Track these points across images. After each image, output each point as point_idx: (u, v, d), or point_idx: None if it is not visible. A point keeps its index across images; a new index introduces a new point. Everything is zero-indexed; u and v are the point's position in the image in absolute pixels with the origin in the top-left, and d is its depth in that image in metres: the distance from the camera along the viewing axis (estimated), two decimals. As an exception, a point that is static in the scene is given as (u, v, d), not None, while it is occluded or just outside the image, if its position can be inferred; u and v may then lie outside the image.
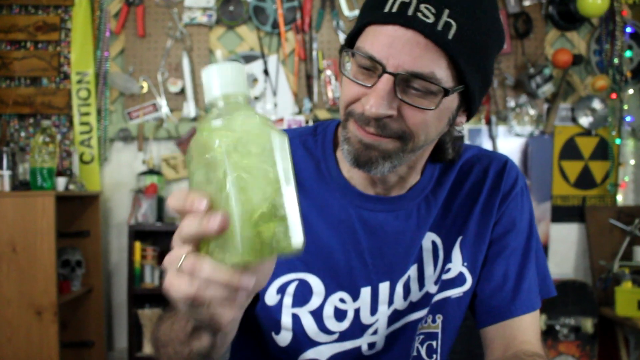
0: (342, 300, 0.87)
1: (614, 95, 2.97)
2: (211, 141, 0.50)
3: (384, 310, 0.88)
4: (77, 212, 2.75)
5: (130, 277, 2.68)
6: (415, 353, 0.90)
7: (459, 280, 0.89)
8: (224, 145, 0.49)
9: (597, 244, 2.95)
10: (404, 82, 0.73)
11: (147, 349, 2.70)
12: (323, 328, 0.87)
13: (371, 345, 0.89)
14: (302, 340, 0.88)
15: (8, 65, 2.83)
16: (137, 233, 2.70)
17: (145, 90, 2.88)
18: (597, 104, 2.95)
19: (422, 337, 0.90)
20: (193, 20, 2.87)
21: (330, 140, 0.91)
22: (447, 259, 0.90)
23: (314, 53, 2.90)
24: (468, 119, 0.84)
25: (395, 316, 0.89)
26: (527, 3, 2.92)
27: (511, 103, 2.94)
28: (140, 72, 2.88)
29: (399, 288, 0.88)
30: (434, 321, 0.90)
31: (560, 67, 2.87)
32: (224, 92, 0.53)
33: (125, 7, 2.86)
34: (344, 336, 0.88)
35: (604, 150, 3.01)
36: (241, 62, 0.55)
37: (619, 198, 3.01)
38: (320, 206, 0.87)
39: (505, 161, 0.94)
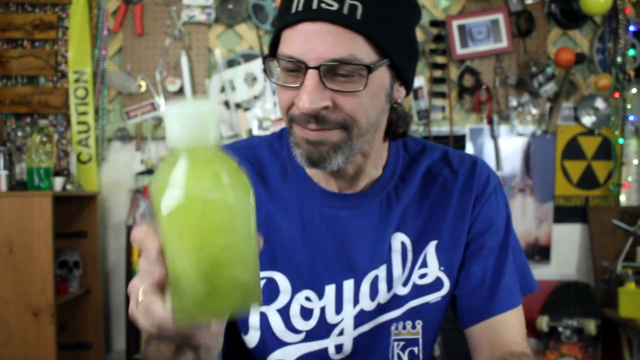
0: (307, 299, 0.89)
1: (617, 95, 2.97)
2: (164, 196, 0.47)
3: (349, 310, 0.89)
4: (75, 213, 2.75)
5: (128, 278, 2.68)
6: (395, 359, 0.91)
7: (436, 285, 0.91)
8: (173, 202, 0.47)
9: (600, 245, 2.95)
10: (329, 72, 0.75)
11: (146, 350, 2.70)
12: (290, 327, 0.89)
13: (338, 348, 0.90)
14: (269, 340, 0.89)
15: (5, 64, 2.83)
16: (135, 233, 2.69)
17: (143, 89, 2.88)
18: (600, 103, 2.95)
19: (402, 343, 0.91)
20: (192, 19, 2.87)
21: None
22: (420, 262, 0.91)
23: (314, 52, 2.89)
24: (407, 93, 0.87)
25: (362, 317, 0.90)
26: (529, 1, 2.92)
27: (513, 102, 2.94)
28: (139, 71, 2.88)
29: (365, 287, 0.89)
30: (414, 327, 0.91)
31: (563, 65, 2.87)
32: (185, 144, 0.47)
33: (123, 5, 2.85)
34: (310, 336, 0.90)
35: (606, 150, 3.01)
36: (209, 102, 0.56)
37: (622, 198, 3.01)
38: (286, 205, 0.89)
39: (474, 161, 0.95)
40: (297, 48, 0.75)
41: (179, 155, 0.48)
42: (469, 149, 2.95)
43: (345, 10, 0.74)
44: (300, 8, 0.75)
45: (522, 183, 2.98)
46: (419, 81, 2.90)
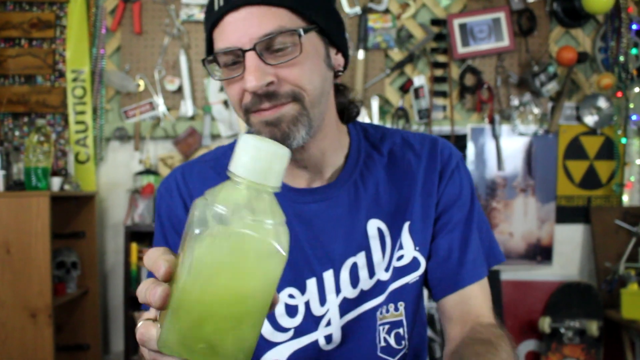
0: (291, 296, 0.91)
1: (619, 94, 2.97)
2: (209, 223, 0.47)
3: (332, 299, 0.92)
4: (73, 213, 2.75)
5: (126, 279, 2.68)
6: (383, 343, 0.94)
7: (413, 265, 0.94)
8: (212, 237, 0.46)
9: (603, 245, 2.94)
10: (265, 49, 0.80)
11: (144, 352, 2.70)
12: (277, 326, 0.91)
13: (328, 339, 0.92)
14: (259, 343, 0.90)
15: (2, 63, 2.83)
16: (134, 234, 2.70)
17: (141, 88, 2.88)
18: (602, 103, 2.95)
19: (387, 326, 0.94)
20: (190, 17, 2.87)
21: None
22: (398, 245, 0.94)
23: (314, 50, 2.89)
24: (346, 61, 0.91)
25: (347, 305, 0.92)
26: (531, 0, 2.92)
27: (515, 101, 2.93)
28: (137, 70, 2.88)
29: (344, 275, 0.92)
30: (396, 309, 0.94)
31: (565, 65, 2.86)
32: (250, 177, 0.48)
33: (122, 3, 2.85)
34: (299, 332, 0.91)
35: (609, 150, 3.01)
36: (284, 147, 0.62)
37: (625, 198, 3.01)
38: None
39: (435, 140, 0.98)
40: (229, 39, 0.80)
41: (239, 187, 0.48)
42: (470, 148, 2.95)
43: None
44: (221, 3, 0.81)
45: (524, 183, 2.98)
46: (420, 80, 2.90)
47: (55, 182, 2.56)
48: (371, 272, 0.92)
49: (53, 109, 2.86)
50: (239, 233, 0.46)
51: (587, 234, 3.03)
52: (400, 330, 0.94)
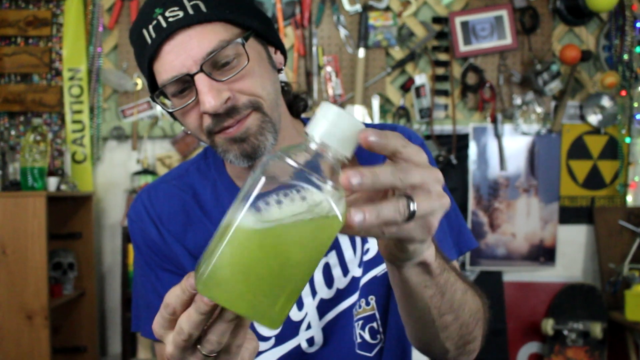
0: None
1: (623, 93, 2.97)
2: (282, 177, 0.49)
3: (309, 303, 0.92)
4: (69, 213, 2.75)
5: (124, 280, 2.68)
6: (359, 340, 0.94)
7: (379, 257, 0.94)
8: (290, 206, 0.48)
9: (606, 246, 2.94)
10: (212, 67, 0.80)
11: (142, 354, 2.70)
12: (257, 336, 0.91)
13: (310, 342, 0.92)
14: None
15: (-2, 61, 2.83)
16: (131, 235, 2.69)
17: (139, 87, 2.87)
18: (606, 102, 2.95)
19: (361, 322, 0.94)
20: (189, 15, 2.86)
21: (220, 158, 0.97)
22: (365, 239, 0.94)
23: (314, 49, 2.89)
24: (285, 56, 0.93)
25: (324, 306, 0.93)
26: (534, -3, 2.92)
27: (517, 100, 2.93)
28: (135, 69, 2.88)
29: (318, 276, 0.93)
30: (367, 304, 0.94)
31: (568, 63, 2.86)
32: (326, 141, 0.51)
33: (119, 1, 2.85)
34: (280, 339, 0.92)
35: (613, 149, 3.00)
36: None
37: (629, 199, 3.00)
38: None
39: (394, 127, 1.00)
40: (173, 67, 0.80)
41: (312, 148, 0.51)
42: (472, 148, 2.95)
43: (191, 11, 0.79)
44: (153, 35, 0.80)
45: (527, 183, 2.98)
46: (421, 79, 2.89)
47: (52, 182, 2.56)
48: (345, 270, 0.93)
49: (49, 108, 2.86)
50: (303, 187, 0.49)
51: (590, 234, 3.03)
52: (374, 325, 0.95)
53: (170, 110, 0.85)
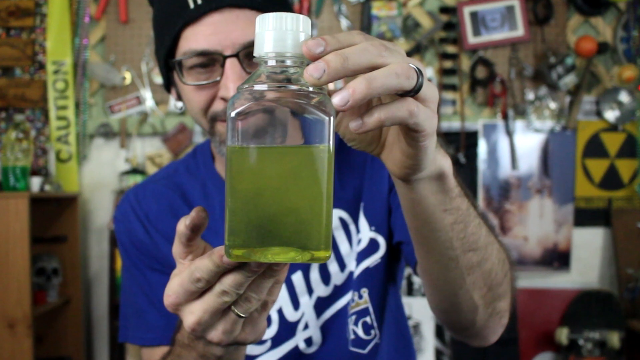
0: None
1: (642, 87, 2.97)
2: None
3: (306, 302, 0.93)
4: (54, 216, 2.75)
5: (111, 286, 2.68)
6: (352, 336, 0.94)
7: (372, 247, 0.95)
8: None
9: (624, 251, 2.95)
10: (246, 57, 0.81)
11: (130, 365, 2.70)
12: None
13: (308, 342, 0.93)
14: None
15: (-23, 54, 2.83)
16: (119, 238, 2.70)
17: (128, 81, 2.88)
18: (624, 97, 2.95)
19: (354, 317, 0.95)
20: (181, 5, 2.87)
21: (209, 156, 1.01)
22: (358, 229, 0.95)
23: (314, 41, 2.89)
24: None
25: (322, 305, 0.93)
26: (547, -14, 2.93)
27: (530, 96, 2.94)
28: (123, 62, 2.88)
29: (314, 274, 0.93)
30: (360, 297, 0.95)
31: (584, 56, 2.87)
32: (277, 49, 0.48)
33: (106, -10, 2.86)
34: (276, 341, 0.93)
35: (631, 148, 3.01)
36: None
37: (648, 200, 3.01)
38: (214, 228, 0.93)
39: None
40: (208, 41, 0.80)
41: (270, 64, 0.49)
42: (482, 146, 2.95)
43: None
44: (199, 2, 0.80)
45: (540, 183, 2.99)
46: (428, 72, 2.90)
47: (35, 183, 2.56)
48: (341, 265, 0.94)
49: (32, 103, 2.86)
50: (278, 98, 0.47)
51: (607, 238, 3.03)
52: (368, 319, 0.95)
53: (181, 84, 0.85)
